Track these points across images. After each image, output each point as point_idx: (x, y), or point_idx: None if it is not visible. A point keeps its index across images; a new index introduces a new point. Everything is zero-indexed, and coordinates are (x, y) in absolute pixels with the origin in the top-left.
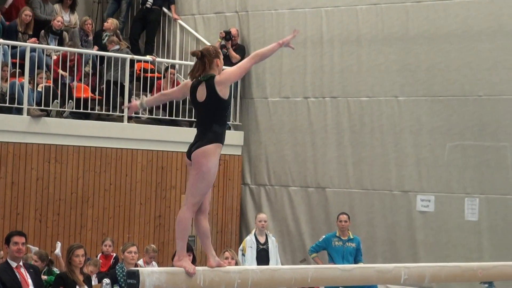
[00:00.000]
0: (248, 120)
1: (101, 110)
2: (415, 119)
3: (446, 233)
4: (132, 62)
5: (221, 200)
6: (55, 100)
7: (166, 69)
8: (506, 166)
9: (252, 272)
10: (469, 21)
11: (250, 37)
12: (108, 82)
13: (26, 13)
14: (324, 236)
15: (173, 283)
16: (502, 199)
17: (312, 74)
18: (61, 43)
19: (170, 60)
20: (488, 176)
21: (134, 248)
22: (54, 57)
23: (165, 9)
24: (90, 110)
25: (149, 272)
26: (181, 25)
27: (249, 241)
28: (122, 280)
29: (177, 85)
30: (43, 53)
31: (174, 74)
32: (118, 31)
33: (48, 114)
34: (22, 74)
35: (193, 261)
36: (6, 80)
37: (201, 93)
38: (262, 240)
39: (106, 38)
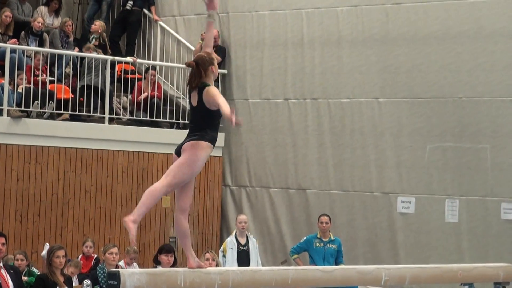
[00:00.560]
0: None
1: (82, 111)
2: (395, 120)
3: (427, 235)
4: (113, 64)
5: (202, 201)
6: (36, 101)
7: (147, 70)
8: (486, 168)
9: (233, 273)
10: (449, 23)
11: (230, 39)
12: (87, 86)
13: (6, 14)
14: (305, 238)
15: (153, 284)
16: (482, 200)
17: (292, 76)
18: (41, 44)
19: (151, 62)
20: (468, 178)
21: (115, 249)
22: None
23: (145, 11)
24: (71, 111)
25: (130, 273)
26: (161, 27)
27: (230, 242)
28: (103, 281)
29: (157, 87)
30: (23, 54)
31: (154, 76)
32: (104, 34)
33: (28, 115)
34: (2, 75)
35: (174, 263)
36: None
37: (194, 98)
38: (242, 241)
39: (93, 40)
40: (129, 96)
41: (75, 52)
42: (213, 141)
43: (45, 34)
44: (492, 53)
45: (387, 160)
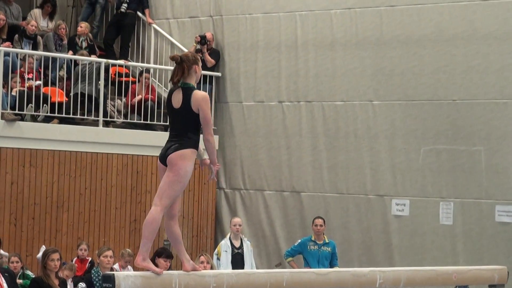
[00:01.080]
0: (223, 124)
1: (76, 114)
2: (389, 123)
3: (421, 237)
4: (106, 67)
5: (196, 204)
6: (30, 105)
7: (141, 73)
8: (480, 170)
9: (227, 276)
10: (443, 25)
11: (224, 41)
12: (80, 94)
13: (0, 17)
14: (299, 240)
15: (148, 287)
16: (477, 203)
17: (286, 78)
18: (35, 47)
19: (145, 64)
20: (463, 180)
21: (110, 252)
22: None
23: (139, 13)
24: (65, 114)
25: (125, 276)
26: (155, 29)
27: (224, 245)
28: (97, 284)
29: (151, 90)
30: (17, 58)
31: (148, 79)
32: (90, 34)
33: (22, 118)
34: None
35: (169, 268)
36: None
37: (177, 100)
38: (237, 244)
39: (83, 43)
40: (123, 99)
41: (69, 55)
42: (196, 145)
43: (38, 37)
44: (486, 55)
45: (381, 163)
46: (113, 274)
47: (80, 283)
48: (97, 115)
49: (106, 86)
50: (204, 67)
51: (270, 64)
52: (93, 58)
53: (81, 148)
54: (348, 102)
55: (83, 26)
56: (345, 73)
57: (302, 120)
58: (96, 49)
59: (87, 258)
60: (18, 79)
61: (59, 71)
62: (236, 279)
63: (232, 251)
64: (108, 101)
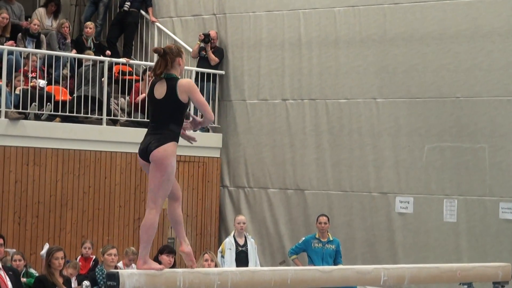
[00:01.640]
0: (227, 122)
1: (80, 113)
2: (393, 121)
3: (425, 234)
4: (109, 66)
5: (200, 202)
6: (33, 103)
7: (144, 71)
8: (484, 168)
9: (231, 274)
10: (446, 23)
11: (228, 39)
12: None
13: (3, 16)
14: (303, 238)
15: (152, 285)
16: (480, 200)
17: (290, 76)
18: (38, 46)
19: (148, 63)
20: (466, 178)
21: (114, 251)
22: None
23: (142, 12)
24: (69, 113)
25: (129, 274)
26: (159, 28)
27: (228, 243)
28: (102, 282)
29: None
30: (21, 56)
31: (152, 77)
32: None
33: (26, 117)
34: None
35: (174, 264)
36: None
37: (160, 91)
38: (241, 242)
39: (91, 44)
40: (127, 98)
41: (73, 54)
42: (176, 138)
43: (42, 36)
44: (490, 52)
45: (385, 160)
46: (118, 272)
47: (84, 281)
48: (100, 113)
49: (109, 84)
50: (208, 65)
51: (273, 62)
52: (96, 56)
53: (85, 147)
54: (352, 99)
55: (92, 27)
56: (348, 71)
57: (306, 118)
58: (105, 46)
59: (91, 256)
60: (21, 77)
61: (62, 69)
62: (241, 277)
63: (236, 249)
64: (112, 100)
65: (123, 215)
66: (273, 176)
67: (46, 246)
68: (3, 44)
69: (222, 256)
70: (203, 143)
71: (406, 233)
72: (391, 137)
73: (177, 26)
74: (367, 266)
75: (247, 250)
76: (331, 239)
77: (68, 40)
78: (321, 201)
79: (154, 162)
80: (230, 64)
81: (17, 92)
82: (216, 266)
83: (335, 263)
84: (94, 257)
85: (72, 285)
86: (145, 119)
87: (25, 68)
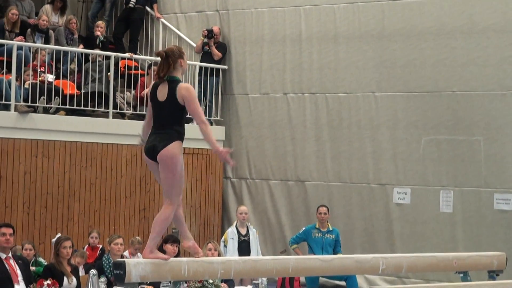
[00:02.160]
0: (230, 115)
1: (87, 106)
2: (391, 114)
3: (422, 225)
4: (116, 61)
5: (203, 193)
6: (42, 97)
7: (149, 66)
8: (479, 160)
9: (235, 263)
10: (443, 19)
11: (230, 35)
12: (88, 93)
13: (13, 12)
14: (304, 228)
15: (158, 274)
16: (476, 191)
17: (291, 71)
18: (47, 41)
19: (153, 58)
20: (462, 169)
21: (120, 240)
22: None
23: (148, 8)
24: (76, 106)
25: (135, 263)
26: (163, 24)
27: (231, 232)
28: (108, 271)
29: None
30: (30, 51)
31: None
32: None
33: (35, 110)
34: (9, 71)
35: (178, 254)
36: None
37: (163, 93)
38: (243, 231)
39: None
40: (133, 92)
41: (80, 49)
42: (181, 137)
43: (50, 31)
44: (485, 48)
45: (383, 153)
46: (124, 261)
47: (92, 270)
48: (107, 107)
49: (115, 79)
50: (211, 60)
51: (275, 57)
52: (103, 52)
53: (92, 139)
54: (351, 93)
55: (103, 26)
56: (348, 66)
57: (306, 112)
58: (112, 42)
59: (98, 245)
60: (30, 72)
61: (70, 64)
62: (243, 266)
63: (239, 238)
64: (118, 94)
65: (129, 206)
66: (275, 168)
67: (58, 235)
68: (12, 40)
69: (225, 246)
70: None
71: (404, 223)
72: (389, 130)
73: (181, 22)
74: (366, 255)
75: (249, 240)
76: (330, 229)
77: (76, 36)
78: (321, 192)
79: (163, 162)
80: (232, 59)
81: (26, 86)
82: (219, 255)
83: (335, 252)
84: (101, 246)
85: (80, 274)
86: None
87: (34, 63)
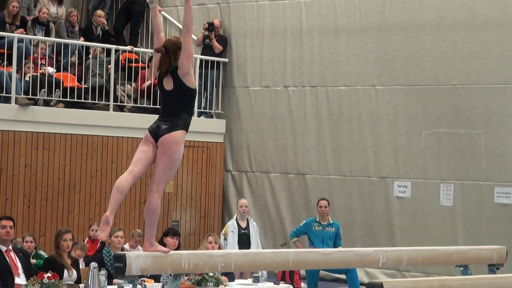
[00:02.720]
0: (230, 108)
1: (87, 99)
2: (392, 107)
3: (422, 218)
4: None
5: (204, 186)
6: (42, 89)
7: (150, 59)
8: (480, 153)
9: (235, 256)
10: (444, 12)
11: (231, 28)
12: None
13: (14, 4)
14: (304, 221)
15: (158, 267)
16: (476, 185)
17: (292, 64)
18: (47, 34)
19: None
20: (463, 163)
21: (120, 233)
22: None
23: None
24: (77, 99)
25: (136, 256)
26: (164, 17)
27: (231, 225)
28: (109, 263)
29: None
30: (30, 44)
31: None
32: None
33: (35, 102)
34: (10, 64)
35: (178, 246)
36: None
37: (169, 84)
38: (243, 224)
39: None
40: (133, 84)
41: (81, 42)
42: (187, 127)
43: (51, 24)
44: (486, 41)
45: (383, 146)
46: (124, 254)
47: (92, 263)
48: (107, 100)
49: (116, 71)
50: (212, 53)
51: (275, 50)
52: (103, 44)
53: (92, 132)
54: (352, 87)
55: (103, 16)
56: (348, 59)
57: (307, 105)
58: (112, 34)
59: (98, 238)
60: (31, 64)
61: (70, 57)
62: (244, 259)
63: (239, 231)
64: (118, 86)
65: (129, 198)
66: (275, 161)
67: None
68: (13, 32)
69: (225, 239)
70: (207, 128)
71: (404, 217)
72: (389, 123)
73: (182, 15)
74: (367, 248)
75: (249, 233)
76: (331, 222)
77: (76, 28)
78: (321, 185)
79: (163, 146)
80: (233, 52)
81: (26, 78)
82: (219, 248)
83: (335, 245)
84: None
85: (80, 267)
86: (151, 105)
87: (35, 55)
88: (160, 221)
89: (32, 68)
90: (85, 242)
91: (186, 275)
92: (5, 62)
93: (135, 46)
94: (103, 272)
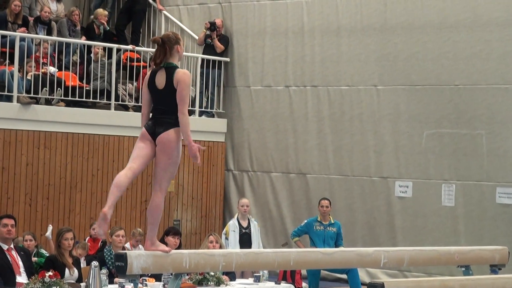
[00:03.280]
0: (232, 108)
1: (89, 98)
2: (393, 107)
3: (424, 218)
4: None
5: (205, 185)
6: (44, 88)
7: (151, 58)
8: (481, 154)
9: (236, 255)
10: (446, 12)
11: (233, 28)
12: (93, 90)
13: (16, 3)
14: (305, 221)
15: (159, 266)
16: (478, 185)
17: (293, 64)
18: (49, 32)
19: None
20: (464, 163)
21: (122, 232)
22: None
23: (150, 0)
24: (78, 98)
25: (137, 255)
26: (166, 16)
27: (232, 225)
28: (110, 262)
29: None
30: (32, 43)
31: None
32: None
33: (37, 101)
34: (11, 63)
35: (179, 246)
36: None
37: (161, 80)
38: (244, 224)
39: (101, 31)
40: (135, 83)
41: (82, 41)
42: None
43: (53, 23)
44: (488, 41)
45: (385, 146)
46: (126, 253)
47: (93, 262)
48: (109, 99)
49: (117, 71)
50: (213, 53)
51: (277, 49)
52: (105, 43)
53: (94, 131)
54: (353, 86)
55: (105, 15)
56: (350, 59)
57: (308, 104)
58: (114, 33)
59: (97, 236)
60: (33, 63)
61: (72, 56)
62: (245, 258)
63: (240, 231)
64: (120, 86)
65: (130, 197)
66: (276, 161)
67: (50, 228)
68: (15, 31)
69: (226, 238)
70: (208, 128)
71: (405, 217)
72: (391, 123)
73: (184, 14)
74: (368, 248)
75: (250, 232)
76: (332, 222)
77: (78, 28)
78: (322, 185)
79: (161, 145)
80: (235, 52)
81: (28, 77)
82: (220, 247)
83: (336, 245)
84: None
85: (81, 265)
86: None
87: (37, 54)
88: (161, 220)
89: (34, 67)
90: (86, 241)
91: (187, 275)
92: (7, 61)
93: (137, 45)
94: (104, 271)
